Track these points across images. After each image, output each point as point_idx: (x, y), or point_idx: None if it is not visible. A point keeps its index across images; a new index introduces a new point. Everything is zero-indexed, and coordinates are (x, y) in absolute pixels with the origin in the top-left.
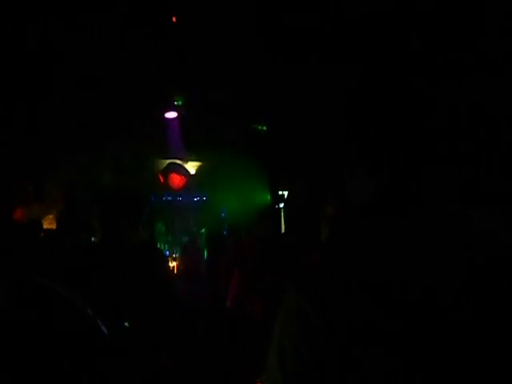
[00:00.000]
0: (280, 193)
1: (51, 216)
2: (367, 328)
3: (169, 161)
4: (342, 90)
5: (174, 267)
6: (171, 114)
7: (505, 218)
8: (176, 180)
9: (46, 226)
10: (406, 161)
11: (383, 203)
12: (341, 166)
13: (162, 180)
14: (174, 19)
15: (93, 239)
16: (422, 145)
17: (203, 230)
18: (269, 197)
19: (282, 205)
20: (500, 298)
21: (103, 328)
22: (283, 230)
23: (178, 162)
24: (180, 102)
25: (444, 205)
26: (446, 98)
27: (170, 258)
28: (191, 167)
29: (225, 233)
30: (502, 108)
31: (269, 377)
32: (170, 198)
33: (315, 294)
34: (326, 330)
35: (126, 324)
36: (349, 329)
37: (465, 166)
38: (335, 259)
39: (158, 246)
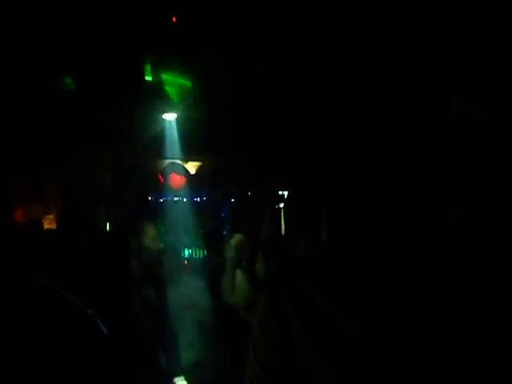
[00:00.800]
0: (280, 193)
1: (51, 216)
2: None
3: (169, 161)
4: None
5: None
6: (170, 116)
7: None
8: (176, 180)
9: (46, 226)
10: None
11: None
12: (334, 168)
13: (161, 180)
14: (174, 19)
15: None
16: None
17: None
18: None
19: (282, 205)
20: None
21: (103, 328)
22: (283, 231)
23: (178, 162)
24: (179, 102)
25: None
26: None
27: None
28: (191, 167)
29: (225, 233)
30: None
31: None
32: (169, 198)
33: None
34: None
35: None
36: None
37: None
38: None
39: None
